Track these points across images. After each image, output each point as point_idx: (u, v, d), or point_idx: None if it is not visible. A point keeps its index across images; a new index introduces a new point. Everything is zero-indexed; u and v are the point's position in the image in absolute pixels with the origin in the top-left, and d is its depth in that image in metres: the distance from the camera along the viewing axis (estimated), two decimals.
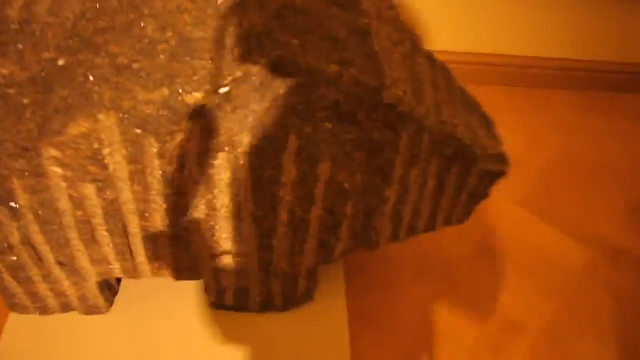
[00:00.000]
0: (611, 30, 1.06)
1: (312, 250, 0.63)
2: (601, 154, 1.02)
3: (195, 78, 0.48)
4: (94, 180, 0.52)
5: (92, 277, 0.65)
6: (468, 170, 0.61)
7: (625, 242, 0.89)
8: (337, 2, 0.54)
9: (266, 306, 0.72)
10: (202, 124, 0.49)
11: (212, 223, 0.58)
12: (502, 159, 0.63)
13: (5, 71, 0.50)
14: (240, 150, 0.52)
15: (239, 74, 0.48)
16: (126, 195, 0.54)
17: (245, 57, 0.48)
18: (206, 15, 0.49)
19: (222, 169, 0.53)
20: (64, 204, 0.55)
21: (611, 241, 0.89)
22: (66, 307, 0.70)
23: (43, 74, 0.50)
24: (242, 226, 0.59)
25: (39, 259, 0.61)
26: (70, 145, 0.49)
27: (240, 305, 0.72)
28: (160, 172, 0.52)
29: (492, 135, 0.65)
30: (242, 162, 0.53)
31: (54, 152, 0.50)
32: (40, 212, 0.55)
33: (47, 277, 0.64)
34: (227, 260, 0.64)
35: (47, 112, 0.49)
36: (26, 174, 0.52)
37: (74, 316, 0.72)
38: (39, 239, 0.59)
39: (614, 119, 1.10)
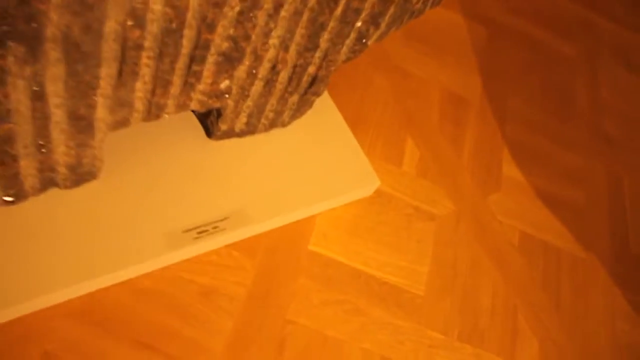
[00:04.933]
0: None
1: (349, 45, 0.59)
2: None
3: None
4: None
5: (102, 131, 0.50)
6: None
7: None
8: None
9: (273, 123, 0.67)
10: None
11: (271, 25, 0.49)
12: None
13: None
14: None
15: None
16: None
17: None
18: None
19: None
20: (114, 24, 0.39)
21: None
22: (48, 184, 0.53)
23: None
24: (297, 26, 0.52)
25: (45, 119, 0.43)
26: None
27: (250, 129, 0.65)
28: None
29: None
30: None
31: None
32: (77, 42, 0.38)
33: (42, 146, 0.47)
34: (263, 73, 0.56)
35: None
36: None
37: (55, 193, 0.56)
38: (57, 87, 0.41)
39: None
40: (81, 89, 0.43)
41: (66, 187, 0.55)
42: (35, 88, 0.40)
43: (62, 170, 0.52)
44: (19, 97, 0.41)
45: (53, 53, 0.39)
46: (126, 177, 0.58)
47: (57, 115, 0.45)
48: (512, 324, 0.68)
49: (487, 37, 1.00)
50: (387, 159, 0.76)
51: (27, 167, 0.49)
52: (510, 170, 0.83)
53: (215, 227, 0.59)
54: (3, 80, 0.39)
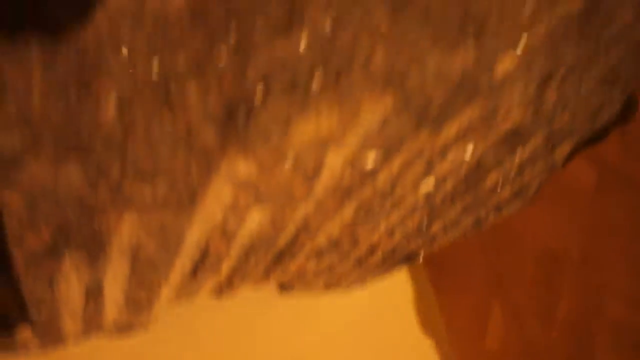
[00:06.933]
0: None
1: (461, 230, 0.50)
2: None
3: None
4: None
5: (161, 305, 0.42)
6: None
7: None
8: None
9: (334, 285, 0.58)
10: None
11: (382, 222, 0.41)
12: None
13: None
14: None
15: None
16: None
17: None
18: None
19: None
20: (197, 237, 0.31)
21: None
22: (86, 334, 0.47)
23: None
24: (412, 214, 0.43)
25: (97, 309, 0.37)
26: None
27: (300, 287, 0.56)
28: None
29: None
30: None
31: None
32: (150, 257, 0.31)
33: (91, 319, 0.40)
34: (357, 255, 0.47)
35: None
36: None
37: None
38: (116, 280, 0.34)
39: None
40: (145, 283, 0.35)
41: (105, 337, 0.48)
42: (91, 286, 0.33)
43: (107, 326, 0.45)
44: (69, 291, 0.34)
45: (118, 261, 0.32)
46: (180, 338, 0.51)
47: (113, 297, 0.37)
48: None
49: (596, 183, 0.87)
50: None
51: (70, 325, 0.42)
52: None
53: None
54: (54, 280, 0.32)
